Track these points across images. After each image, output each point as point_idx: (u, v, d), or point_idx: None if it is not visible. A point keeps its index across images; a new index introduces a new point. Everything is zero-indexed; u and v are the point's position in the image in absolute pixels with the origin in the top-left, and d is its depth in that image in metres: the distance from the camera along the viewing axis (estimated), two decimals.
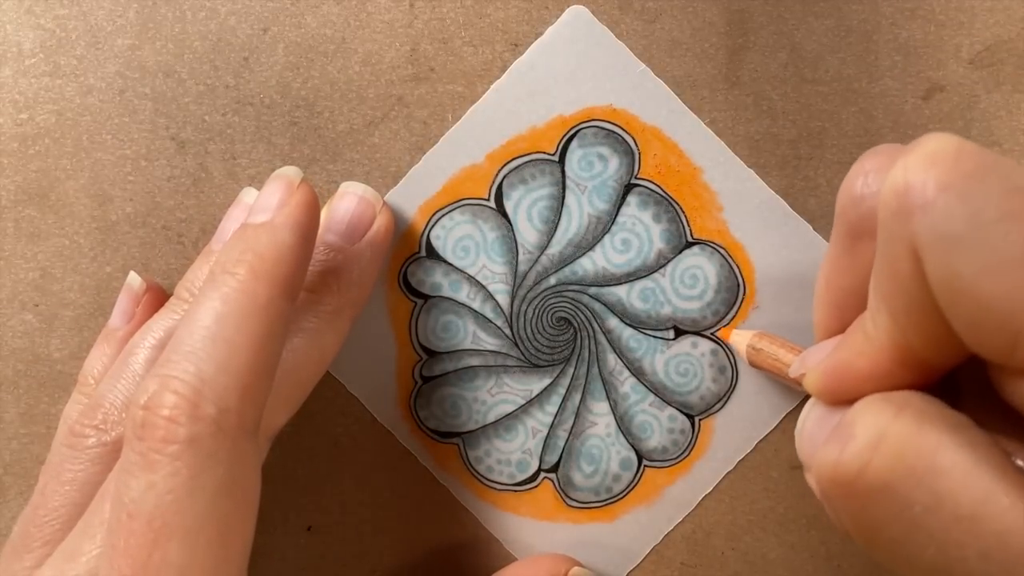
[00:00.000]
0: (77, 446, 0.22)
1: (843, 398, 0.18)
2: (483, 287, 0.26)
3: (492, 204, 0.25)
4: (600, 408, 0.26)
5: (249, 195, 0.25)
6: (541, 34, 0.25)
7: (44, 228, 0.26)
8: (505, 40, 0.25)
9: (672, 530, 0.26)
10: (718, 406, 0.25)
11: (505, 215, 0.25)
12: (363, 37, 0.25)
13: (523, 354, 0.26)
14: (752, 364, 0.24)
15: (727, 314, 0.25)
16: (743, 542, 0.26)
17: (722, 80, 0.25)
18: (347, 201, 0.24)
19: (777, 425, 0.26)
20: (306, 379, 0.22)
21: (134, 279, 0.25)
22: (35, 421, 0.26)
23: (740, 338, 0.25)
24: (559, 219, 0.25)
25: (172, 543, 0.17)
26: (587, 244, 0.25)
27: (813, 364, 0.19)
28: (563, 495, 0.26)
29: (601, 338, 0.26)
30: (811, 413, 0.19)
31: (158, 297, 0.25)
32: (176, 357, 0.18)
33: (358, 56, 0.25)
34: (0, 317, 0.26)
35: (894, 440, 0.15)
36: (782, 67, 0.25)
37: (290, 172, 0.22)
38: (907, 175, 0.15)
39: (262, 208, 0.21)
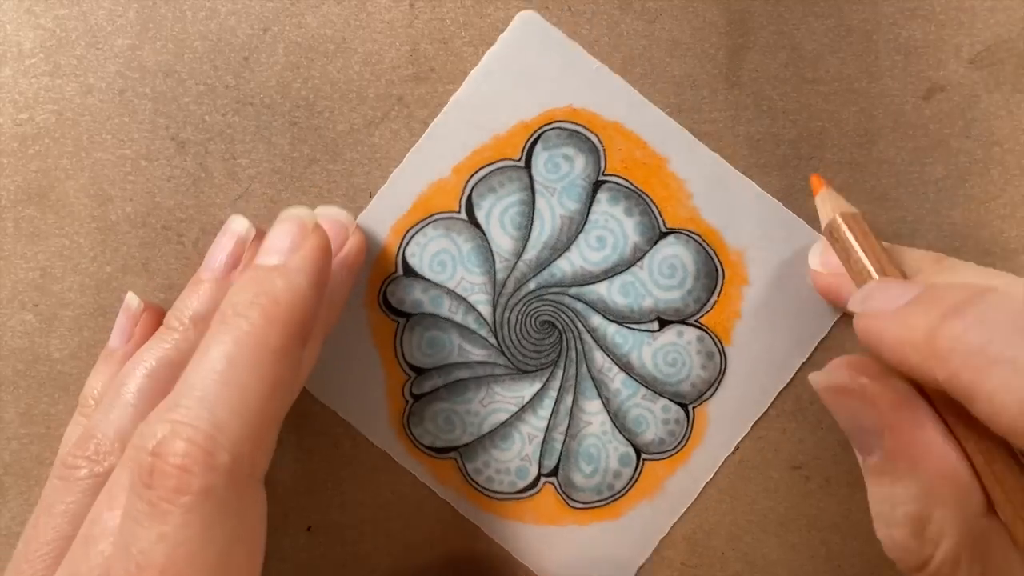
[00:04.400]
0: (69, 478, 0.22)
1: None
2: (464, 299, 0.26)
3: (464, 216, 0.25)
4: (593, 407, 0.26)
5: (236, 223, 0.24)
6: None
7: (44, 228, 0.26)
8: None
9: (673, 529, 0.26)
10: (710, 392, 0.25)
11: (478, 225, 0.25)
12: (363, 37, 0.25)
13: (510, 361, 0.26)
14: (829, 240, 0.23)
15: (708, 300, 0.25)
16: (743, 542, 0.26)
17: (722, 80, 0.25)
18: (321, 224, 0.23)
19: (777, 424, 0.26)
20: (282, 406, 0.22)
21: (132, 299, 0.25)
22: (35, 421, 0.26)
23: (830, 206, 0.22)
24: (532, 223, 0.25)
25: None
26: (562, 245, 0.25)
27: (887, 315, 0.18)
28: (565, 497, 0.26)
29: (586, 337, 0.25)
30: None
31: (156, 316, 0.25)
32: (187, 402, 0.18)
33: (358, 56, 0.25)
34: (0, 317, 0.26)
35: None
36: (782, 67, 0.25)
37: (303, 213, 0.22)
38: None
39: (274, 250, 0.21)
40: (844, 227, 0.22)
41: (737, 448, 0.26)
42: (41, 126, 0.26)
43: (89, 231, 0.26)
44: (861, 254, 0.21)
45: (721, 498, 0.26)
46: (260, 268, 0.21)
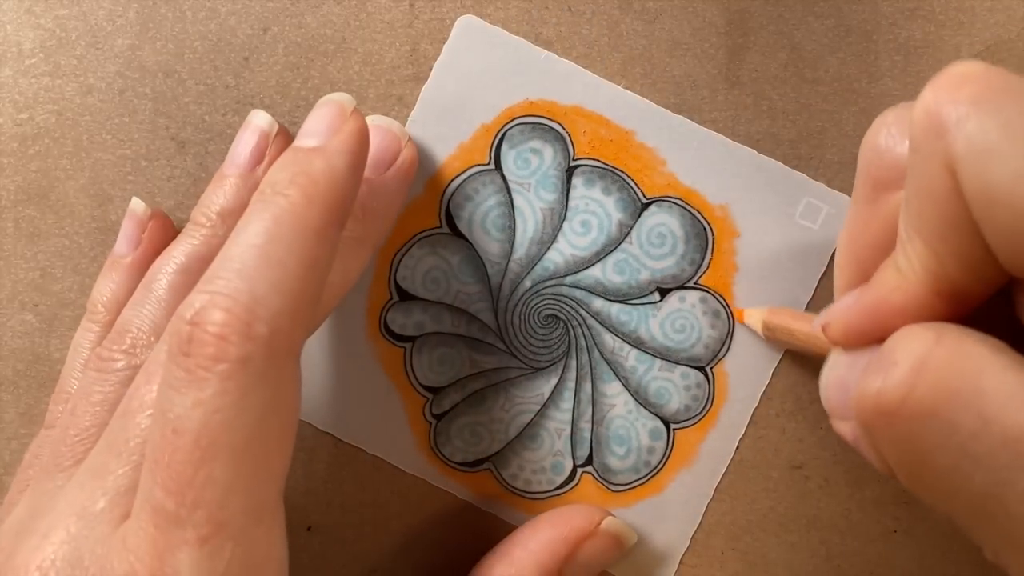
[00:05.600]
0: (106, 369, 0.22)
1: (873, 339, 0.18)
2: (464, 311, 0.26)
3: (446, 229, 0.25)
4: (613, 389, 0.26)
5: (259, 117, 0.24)
6: (541, 34, 0.25)
7: (44, 228, 0.26)
8: None
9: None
10: (723, 350, 0.25)
11: (462, 236, 0.25)
12: (363, 37, 0.25)
13: (522, 362, 0.26)
14: (769, 340, 0.25)
15: (703, 260, 0.25)
16: (743, 542, 0.26)
17: (722, 80, 0.25)
18: (373, 133, 0.23)
19: (776, 424, 0.26)
20: (327, 302, 0.22)
21: (137, 205, 0.25)
22: (35, 421, 0.26)
23: (755, 317, 0.25)
24: (514, 223, 0.25)
25: (218, 462, 0.17)
26: (549, 238, 0.25)
27: (840, 310, 0.19)
28: (605, 483, 0.26)
29: (592, 322, 0.26)
30: (837, 361, 0.19)
31: (164, 224, 0.25)
32: (226, 274, 0.18)
33: (358, 56, 0.25)
34: (0, 317, 0.26)
35: (938, 364, 0.15)
36: (782, 67, 0.25)
37: (342, 98, 0.22)
38: (937, 95, 0.15)
39: (312, 132, 0.21)
40: (774, 319, 0.24)
41: (738, 447, 0.26)
42: (41, 126, 0.26)
43: (89, 231, 0.26)
44: (797, 322, 0.23)
45: (721, 498, 0.26)
46: (298, 149, 0.20)
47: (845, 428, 0.19)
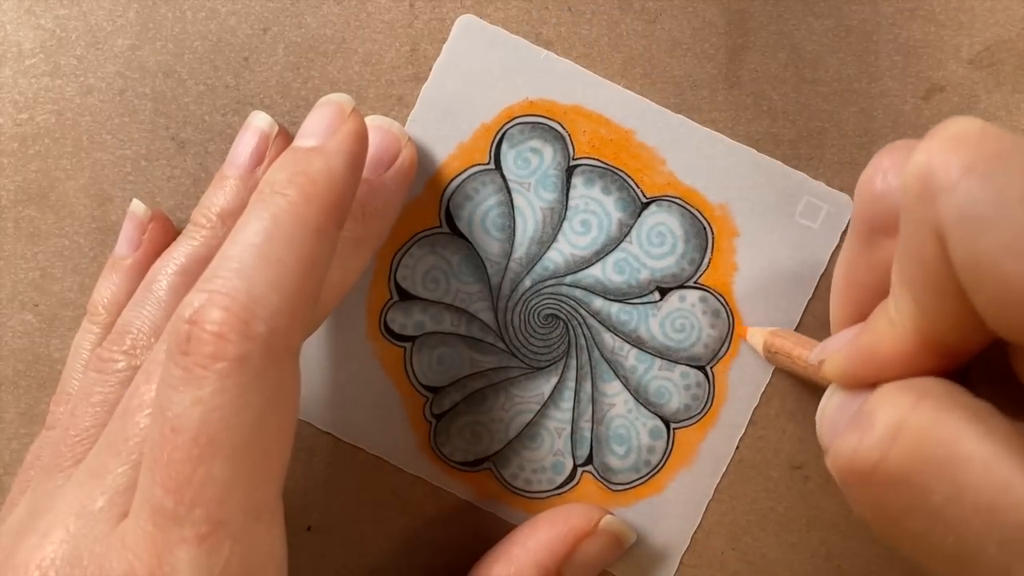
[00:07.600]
0: (106, 370, 0.22)
1: (865, 382, 0.18)
2: (464, 311, 0.26)
3: (445, 229, 0.25)
4: (613, 388, 0.26)
5: (259, 119, 0.24)
6: (541, 34, 0.25)
7: (44, 228, 0.26)
8: None
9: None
10: (723, 350, 0.25)
11: (461, 235, 0.25)
12: (363, 37, 0.25)
13: (522, 362, 0.26)
14: (770, 362, 0.25)
15: (703, 259, 0.25)
16: (743, 542, 0.26)
17: (722, 80, 0.25)
18: (372, 133, 0.23)
19: (777, 424, 0.26)
20: (326, 302, 0.22)
21: (138, 206, 0.25)
22: (35, 421, 0.26)
23: (757, 337, 0.25)
24: (514, 223, 0.25)
25: (217, 460, 0.17)
26: (549, 237, 0.25)
27: (834, 350, 0.19)
28: (605, 483, 0.26)
29: (591, 322, 0.26)
30: (832, 399, 0.19)
31: (164, 226, 0.25)
32: (224, 273, 0.18)
33: (358, 56, 0.25)
34: (0, 317, 0.26)
35: (913, 430, 0.15)
36: (782, 67, 0.25)
37: (341, 98, 0.22)
38: (930, 158, 0.15)
39: (311, 132, 0.21)
40: (776, 342, 0.24)
41: (738, 447, 0.26)
42: (41, 126, 0.26)
43: (89, 231, 0.26)
44: (798, 348, 0.23)
45: (720, 498, 0.26)
46: (297, 149, 0.20)
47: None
